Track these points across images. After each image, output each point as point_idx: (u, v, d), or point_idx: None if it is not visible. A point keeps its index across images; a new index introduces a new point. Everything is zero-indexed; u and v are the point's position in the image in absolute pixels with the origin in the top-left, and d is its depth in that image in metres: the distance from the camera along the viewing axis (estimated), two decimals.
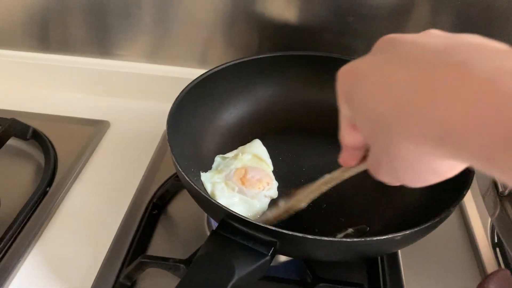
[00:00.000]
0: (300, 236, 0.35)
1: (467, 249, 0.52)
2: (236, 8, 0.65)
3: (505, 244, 0.44)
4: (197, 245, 0.47)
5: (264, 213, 0.45)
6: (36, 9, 0.69)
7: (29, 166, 0.61)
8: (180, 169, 0.41)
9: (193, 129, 0.52)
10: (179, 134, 0.47)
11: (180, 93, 0.50)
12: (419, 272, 0.49)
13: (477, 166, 0.22)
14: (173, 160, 0.42)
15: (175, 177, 0.55)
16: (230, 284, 0.33)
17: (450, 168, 0.26)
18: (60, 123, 0.66)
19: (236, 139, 0.55)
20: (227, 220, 0.38)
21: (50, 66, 0.72)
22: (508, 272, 0.43)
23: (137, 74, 0.72)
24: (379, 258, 0.48)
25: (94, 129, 0.66)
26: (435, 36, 0.26)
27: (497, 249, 0.50)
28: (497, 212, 0.43)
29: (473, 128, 0.20)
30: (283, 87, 0.58)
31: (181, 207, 0.55)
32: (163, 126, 0.64)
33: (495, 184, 0.46)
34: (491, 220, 0.52)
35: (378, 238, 0.36)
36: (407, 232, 0.36)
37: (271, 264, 0.37)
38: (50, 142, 0.61)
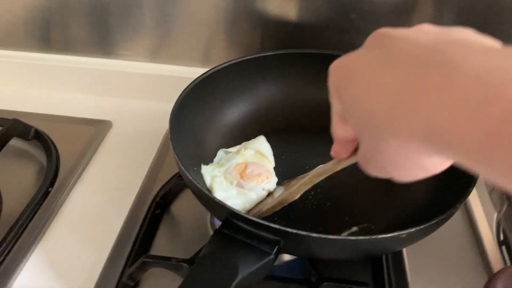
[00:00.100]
0: (304, 235, 0.35)
1: (472, 247, 0.51)
2: (237, 6, 0.64)
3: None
4: (200, 244, 0.46)
5: (256, 205, 0.45)
6: (37, 10, 0.69)
7: (31, 166, 0.61)
8: (183, 169, 0.41)
9: (195, 128, 0.52)
10: (181, 133, 0.47)
11: (182, 92, 0.50)
12: (424, 271, 0.48)
13: (464, 164, 0.22)
14: (176, 159, 0.42)
15: (178, 176, 0.54)
16: (234, 283, 0.32)
17: (438, 164, 0.27)
18: (62, 123, 0.66)
19: (238, 137, 0.55)
20: (231, 219, 0.37)
21: (52, 66, 0.72)
22: None
23: (139, 73, 0.71)
24: (383, 256, 0.47)
25: (96, 129, 0.65)
26: (426, 32, 0.25)
27: (503, 247, 0.50)
28: (504, 208, 0.43)
29: (459, 127, 0.20)
30: (285, 85, 0.58)
31: (184, 206, 0.55)
32: (166, 126, 0.64)
33: None
34: (497, 217, 0.52)
35: (384, 236, 0.35)
36: (413, 229, 0.36)
37: (275, 263, 0.37)
38: (52, 142, 0.61)
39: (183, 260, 0.44)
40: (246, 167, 0.50)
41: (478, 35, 0.24)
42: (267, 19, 0.65)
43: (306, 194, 0.50)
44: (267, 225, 0.36)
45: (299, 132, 0.57)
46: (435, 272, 0.48)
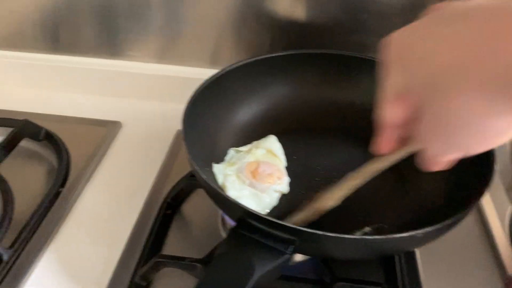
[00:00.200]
0: (321, 234, 0.35)
1: (485, 247, 0.51)
2: (246, 7, 0.64)
3: None
4: (211, 244, 0.47)
5: (291, 216, 0.45)
6: (47, 12, 0.69)
7: (42, 167, 0.61)
8: (197, 168, 0.41)
9: (207, 127, 0.52)
10: (193, 133, 0.47)
11: (194, 92, 0.50)
12: (436, 271, 0.48)
13: None
14: (190, 159, 0.42)
15: (189, 176, 0.54)
16: (251, 282, 0.32)
17: (507, 128, 0.26)
18: (72, 124, 0.66)
19: (250, 137, 0.55)
20: (246, 219, 0.37)
21: (62, 67, 0.72)
22: None
23: (148, 74, 0.71)
24: (396, 257, 0.47)
25: (106, 129, 0.65)
26: None
27: None
28: None
29: None
30: (296, 85, 0.58)
31: (195, 206, 0.55)
32: (175, 126, 0.65)
33: None
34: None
35: (401, 235, 0.35)
36: (430, 229, 0.36)
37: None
38: (62, 143, 0.61)
39: (197, 260, 0.43)
40: (258, 166, 0.50)
41: None
42: (275, 20, 0.65)
43: None
44: (283, 225, 0.35)
45: (310, 132, 0.57)
46: (448, 272, 0.48)
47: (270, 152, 0.53)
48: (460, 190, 0.44)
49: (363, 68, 0.56)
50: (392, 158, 0.33)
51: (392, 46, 0.29)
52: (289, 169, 0.53)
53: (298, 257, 0.47)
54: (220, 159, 0.53)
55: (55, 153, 0.61)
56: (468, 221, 0.53)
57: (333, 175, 0.52)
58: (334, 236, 0.35)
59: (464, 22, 0.24)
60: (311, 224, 0.44)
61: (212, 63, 0.70)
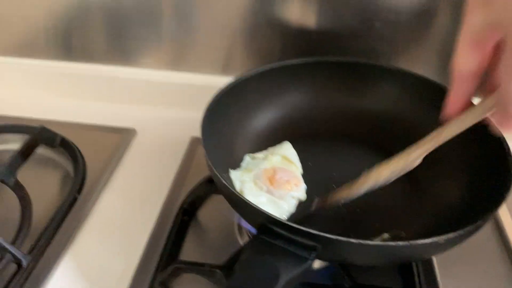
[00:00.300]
0: (343, 240, 0.35)
1: (502, 254, 0.51)
2: (258, 14, 0.65)
3: None
4: (228, 250, 0.47)
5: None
6: (60, 20, 0.70)
7: (57, 173, 0.61)
8: (217, 174, 0.41)
9: (224, 134, 0.52)
10: (211, 139, 0.47)
11: (212, 100, 0.50)
12: (454, 278, 0.48)
13: None
14: (210, 165, 0.42)
15: (205, 182, 0.55)
16: (277, 287, 0.32)
17: None
18: (86, 131, 0.67)
19: (265, 144, 0.55)
20: (268, 225, 0.37)
21: (75, 75, 0.73)
22: None
23: (161, 82, 0.72)
24: (414, 264, 0.47)
25: (121, 136, 0.66)
26: None
27: None
28: None
29: None
30: (311, 93, 0.58)
31: (211, 212, 0.55)
32: (189, 133, 0.65)
33: None
34: None
35: (423, 241, 0.35)
36: (451, 235, 0.36)
37: None
38: (78, 149, 0.62)
39: (216, 266, 0.44)
40: (275, 173, 0.50)
41: None
42: (287, 27, 0.65)
43: None
44: (305, 231, 0.36)
45: (324, 139, 0.58)
46: (465, 277, 0.48)
47: (286, 158, 0.53)
48: (478, 196, 0.44)
49: (378, 75, 0.56)
50: (462, 124, 0.32)
51: None
52: (305, 175, 0.53)
53: (316, 264, 0.47)
54: (236, 165, 0.53)
55: (70, 159, 0.61)
56: (484, 228, 0.53)
57: (349, 181, 0.53)
58: (357, 243, 0.35)
59: None
60: (328, 232, 0.44)
61: (224, 71, 0.71)
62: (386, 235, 0.46)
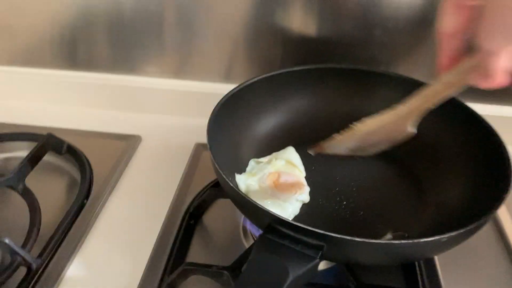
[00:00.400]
0: (349, 239, 0.36)
1: (503, 253, 0.52)
2: (260, 22, 0.66)
3: None
4: (234, 253, 0.48)
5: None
6: (65, 30, 0.71)
7: (64, 180, 0.63)
8: (224, 177, 0.42)
9: (229, 139, 0.53)
10: (217, 144, 0.49)
11: (217, 105, 0.51)
12: (455, 278, 0.49)
13: None
14: (217, 169, 0.43)
15: (210, 187, 0.56)
16: (286, 285, 0.33)
17: None
18: (93, 138, 0.68)
19: (269, 149, 0.57)
20: (274, 225, 0.38)
21: (81, 84, 0.74)
22: None
23: (164, 90, 0.73)
24: (417, 264, 0.48)
25: (126, 143, 0.67)
26: None
27: None
28: None
29: None
30: (314, 98, 0.60)
31: (216, 216, 0.56)
32: (193, 139, 0.67)
33: None
34: None
35: (426, 240, 0.36)
36: (454, 233, 0.37)
37: None
38: (84, 156, 0.63)
39: (224, 268, 0.45)
40: (279, 177, 0.51)
41: None
42: (288, 35, 0.67)
43: (339, 203, 0.51)
44: (312, 230, 0.37)
45: None
46: (466, 276, 0.49)
47: (290, 162, 0.54)
48: (479, 196, 0.46)
49: (379, 81, 0.58)
50: (454, 79, 0.34)
51: None
52: (308, 179, 0.54)
53: (320, 265, 0.48)
54: (241, 170, 0.54)
55: (77, 166, 0.62)
56: (484, 228, 0.54)
57: (352, 185, 0.54)
58: (362, 241, 0.36)
59: None
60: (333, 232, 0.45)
61: (226, 78, 0.72)
62: (389, 236, 0.47)
